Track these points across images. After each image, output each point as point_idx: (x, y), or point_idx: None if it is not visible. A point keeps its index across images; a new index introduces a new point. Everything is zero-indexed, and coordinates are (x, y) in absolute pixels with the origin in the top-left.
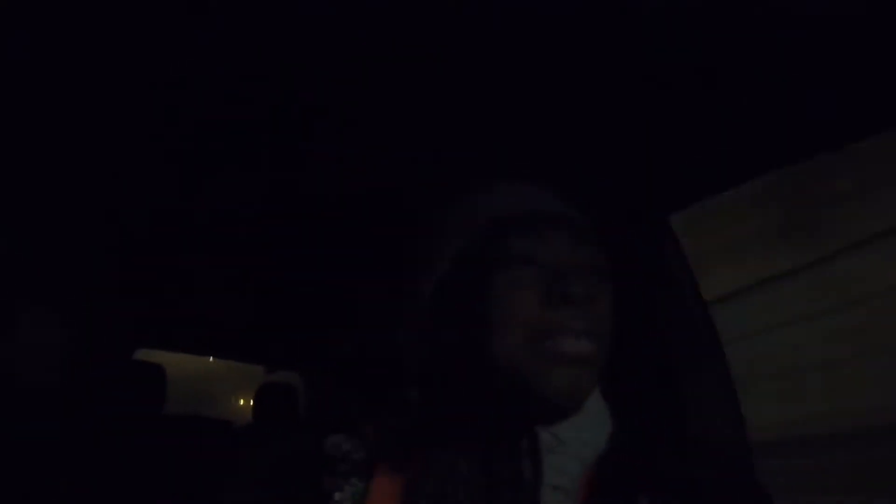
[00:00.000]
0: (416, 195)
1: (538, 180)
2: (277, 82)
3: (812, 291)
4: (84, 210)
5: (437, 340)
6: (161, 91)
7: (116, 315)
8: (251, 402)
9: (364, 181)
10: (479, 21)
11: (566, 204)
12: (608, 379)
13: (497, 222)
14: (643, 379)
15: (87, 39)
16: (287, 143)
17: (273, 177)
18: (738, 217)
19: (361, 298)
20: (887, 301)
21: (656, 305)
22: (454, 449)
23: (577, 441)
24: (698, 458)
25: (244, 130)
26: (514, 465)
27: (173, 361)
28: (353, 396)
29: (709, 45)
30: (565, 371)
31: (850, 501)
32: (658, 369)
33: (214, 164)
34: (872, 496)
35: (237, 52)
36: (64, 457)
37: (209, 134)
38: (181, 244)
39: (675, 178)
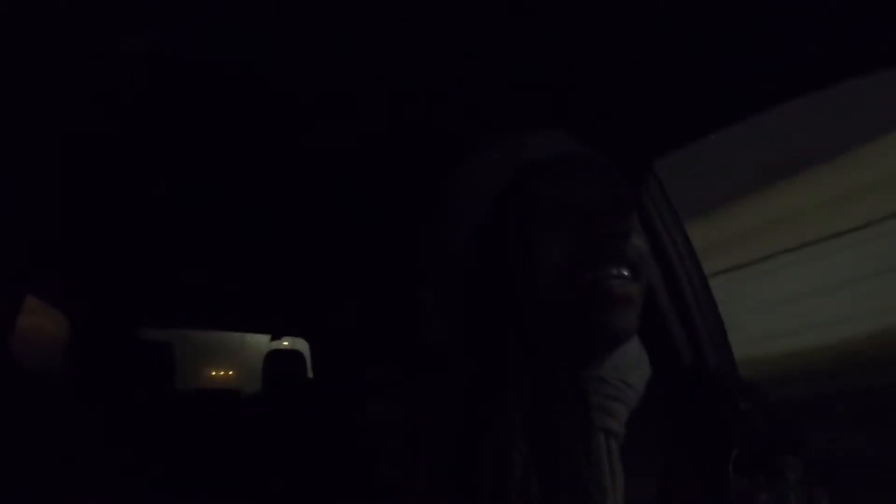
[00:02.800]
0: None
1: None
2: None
3: None
4: (82, 186)
5: (475, 288)
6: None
7: (120, 294)
8: (221, 374)
9: (374, 138)
10: None
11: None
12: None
13: (527, 167)
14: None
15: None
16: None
17: (278, 128)
18: None
19: (370, 259)
20: None
21: None
22: (503, 399)
23: (620, 383)
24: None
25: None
26: (564, 409)
27: None
28: (368, 361)
29: None
30: (609, 308)
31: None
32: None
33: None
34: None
35: None
36: (75, 442)
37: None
38: (186, 214)
39: (657, 124)
